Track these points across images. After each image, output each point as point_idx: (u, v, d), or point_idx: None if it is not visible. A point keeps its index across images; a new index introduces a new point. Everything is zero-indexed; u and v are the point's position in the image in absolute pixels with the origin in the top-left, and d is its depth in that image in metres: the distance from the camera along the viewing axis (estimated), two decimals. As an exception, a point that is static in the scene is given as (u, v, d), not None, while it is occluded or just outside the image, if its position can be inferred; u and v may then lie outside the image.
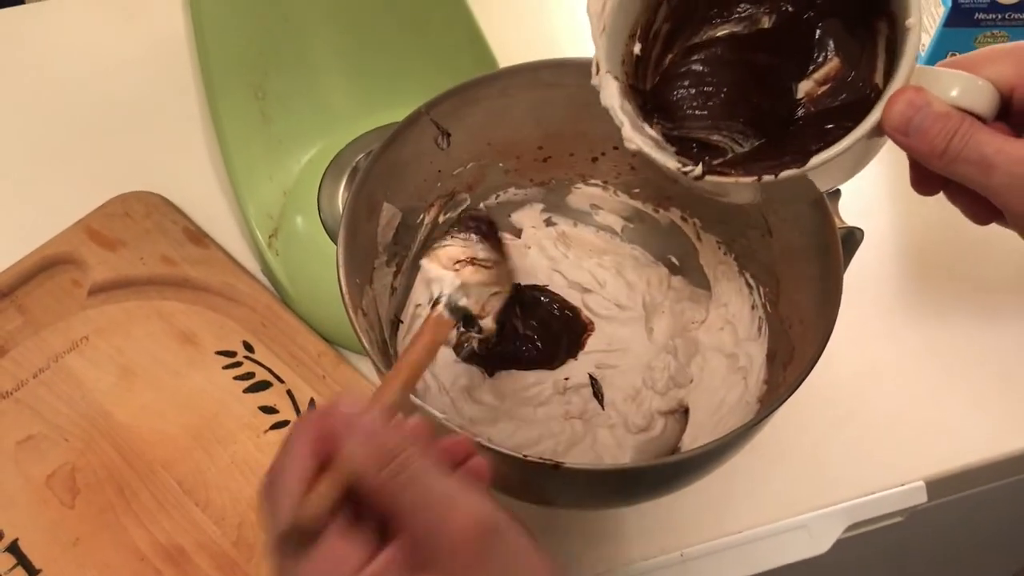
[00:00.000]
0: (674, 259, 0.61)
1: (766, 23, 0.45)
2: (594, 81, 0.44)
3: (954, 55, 0.69)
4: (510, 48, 0.65)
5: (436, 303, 0.45)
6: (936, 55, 0.69)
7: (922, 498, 0.58)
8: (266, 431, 0.58)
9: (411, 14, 0.65)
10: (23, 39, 0.81)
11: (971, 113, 0.37)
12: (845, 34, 0.43)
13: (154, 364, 0.60)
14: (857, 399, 0.61)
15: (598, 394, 0.56)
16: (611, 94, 0.43)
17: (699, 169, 0.42)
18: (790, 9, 0.44)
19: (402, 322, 0.56)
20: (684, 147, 0.44)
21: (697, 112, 0.44)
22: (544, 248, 0.61)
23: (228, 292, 0.63)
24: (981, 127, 0.37)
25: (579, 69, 0.45)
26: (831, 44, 0.43)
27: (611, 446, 0.53)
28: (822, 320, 0.46)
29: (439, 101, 0.53)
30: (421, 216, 0.57)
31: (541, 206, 0.62)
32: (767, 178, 0.40)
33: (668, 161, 0.42)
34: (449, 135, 0.55)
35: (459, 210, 0.58)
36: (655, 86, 0.46)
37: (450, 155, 0.56)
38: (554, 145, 0.59)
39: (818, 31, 0.44)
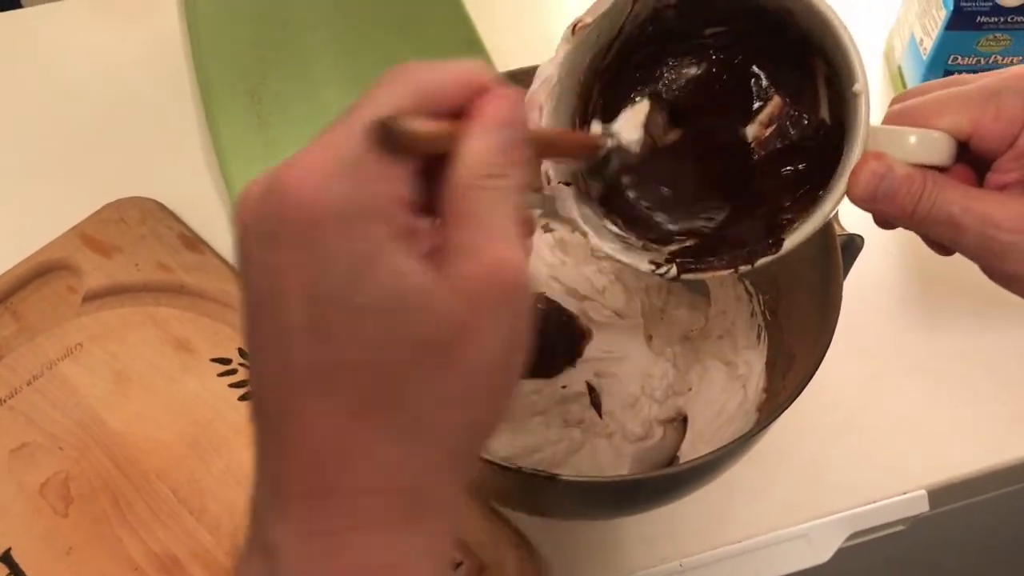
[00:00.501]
0: (673, 265, 0.60)
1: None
2: (547, 192, 0.42)
3: (955, 58, 0.68)
4: (508, 52, 0.65)
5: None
6: (938, 59, 0.68)
7: (924, 507, 0.57)
8: (261, 439, 0.57)
9: (409, 18, 0.64)
10: (20, 42, 0.80)
11: (931, 166, 0.37)
12: (782, 72, 0.42)
13: (149, 371, 0.60)
14: (857, 406, 0.60)
15: (596, 402, 0.55)
16: (568, 204, 0.42)
17: (673, 270, 0.41)
18: (721, 56, 0.43)
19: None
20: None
21: (652, 198, 0.43)
22: (541, 254, 0.60)
23: (224, 298, 0.62)
24: (945, 183, 0.37)
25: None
26: (769, 83, 0.43)
27: (609, 455, 0.53)
28: (822, 327, 0.46)
29: (436, 106, 0.52)
30: (417, 222, 0.56)
31: (538, 212, 0.61)
32: (744, 268, 0.40)
33: (640, 264, 0.41)
34: (446, 140, 0.54)
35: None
36: None
37: (447, 160, 0.55)
38: (552, 150, 0.58)
39: (753, 72, 0.43)
